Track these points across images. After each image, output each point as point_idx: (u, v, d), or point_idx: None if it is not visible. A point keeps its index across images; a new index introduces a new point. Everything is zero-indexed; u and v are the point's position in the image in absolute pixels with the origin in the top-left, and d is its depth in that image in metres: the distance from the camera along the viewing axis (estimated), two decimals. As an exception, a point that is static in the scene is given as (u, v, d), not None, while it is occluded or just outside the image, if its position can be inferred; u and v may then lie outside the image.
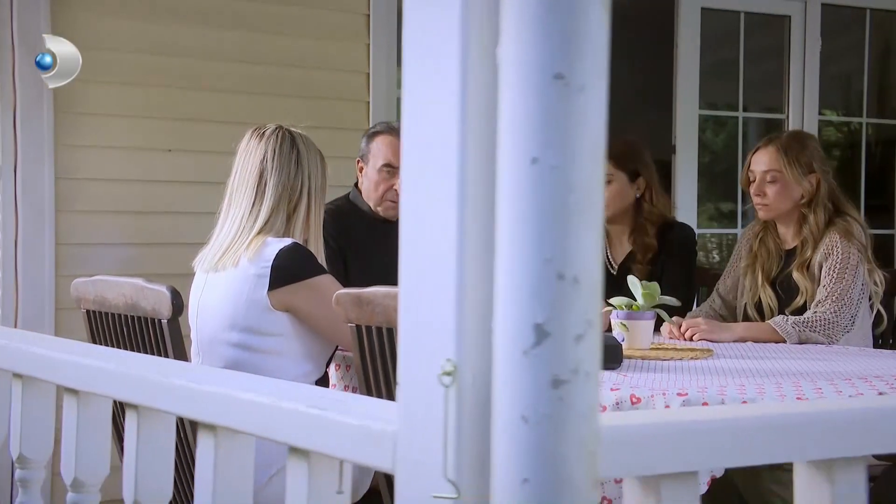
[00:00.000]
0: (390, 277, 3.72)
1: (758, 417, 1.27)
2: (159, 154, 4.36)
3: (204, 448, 1.48)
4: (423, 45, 1.13)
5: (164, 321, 2.72)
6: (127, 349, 2.87)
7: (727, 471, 3.60)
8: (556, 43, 1.03)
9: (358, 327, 2.63)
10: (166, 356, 2.75)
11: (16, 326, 4.08)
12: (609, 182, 3.99)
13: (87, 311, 3.00)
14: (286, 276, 2.86)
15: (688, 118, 5.51)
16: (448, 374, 1.09)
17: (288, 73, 4.59)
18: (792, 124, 5.73)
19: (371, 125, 4.25)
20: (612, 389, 2.55)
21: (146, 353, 2.79)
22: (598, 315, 1.06)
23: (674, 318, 3.59)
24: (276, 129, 3.03)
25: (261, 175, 2.97)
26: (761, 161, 3.67)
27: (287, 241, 2.91)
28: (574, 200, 1.04)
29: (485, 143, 1.09)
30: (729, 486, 3.56)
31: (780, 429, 1.24)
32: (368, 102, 4.71)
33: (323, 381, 3.05)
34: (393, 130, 3.88)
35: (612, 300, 3.27)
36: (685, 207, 5.49)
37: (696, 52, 5.50)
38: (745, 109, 5.87)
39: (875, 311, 3.68)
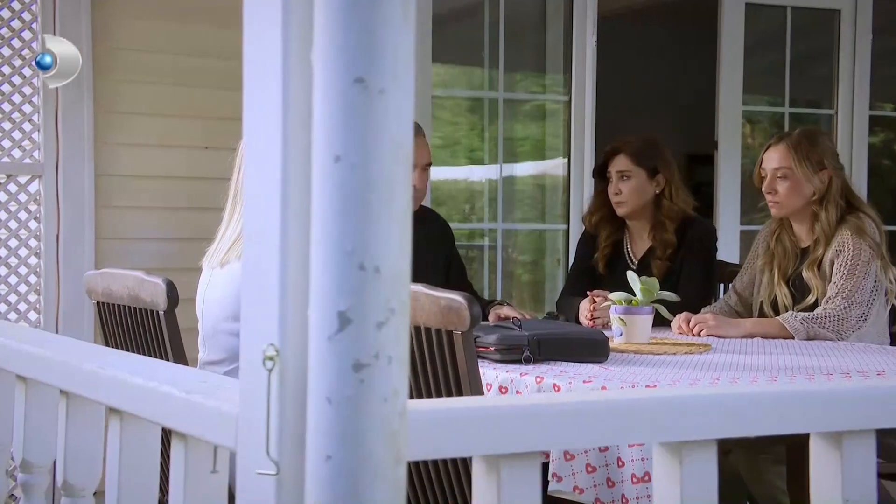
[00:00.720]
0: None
1: (583, 402, 1.33)
2: (196, 151, 4.50)
3: (112, 432, 1.57)
4: (254, 55, 1.22)
5: (161, 313, 2.83)
6: (130, 340, 3.00)
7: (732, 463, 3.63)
8: (357, 50, 1.10)
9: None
10: (163, 347, 2.87)
11: (57, 318, 4.26)
12: (627, 178, 4.03)
13: (97, 303, 3.13)
14: None
15: (731, 115, 5.51)
16: (270, 358, 1.17)
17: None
18: (841, 121, 5.69)
19: None
20: (584, 382, 2.60)
21: (146, 343, 2.91)
22: (402, 303, 1.13)
23: (683, 314, 3.62)
24: None
25: None
26: (772, 158, 3.68)
27: (287, 237, 3.00)
28: (375, 196, 1.11)
29: (303, 144, 1.16)
30: (736, 481, 3.60)
31: (602, 413, 1.30)
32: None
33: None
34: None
35: (612, 295, 3.31)
36: (727, 204, 5.49)
37: (740, 49, 5.49)
38: (791, 105, 5.84)
39: (889, 308, 3.67)
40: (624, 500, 2.56)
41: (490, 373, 2.79)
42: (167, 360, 2.88)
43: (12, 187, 4.25)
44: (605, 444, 1.35)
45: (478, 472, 1.32)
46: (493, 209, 5.30)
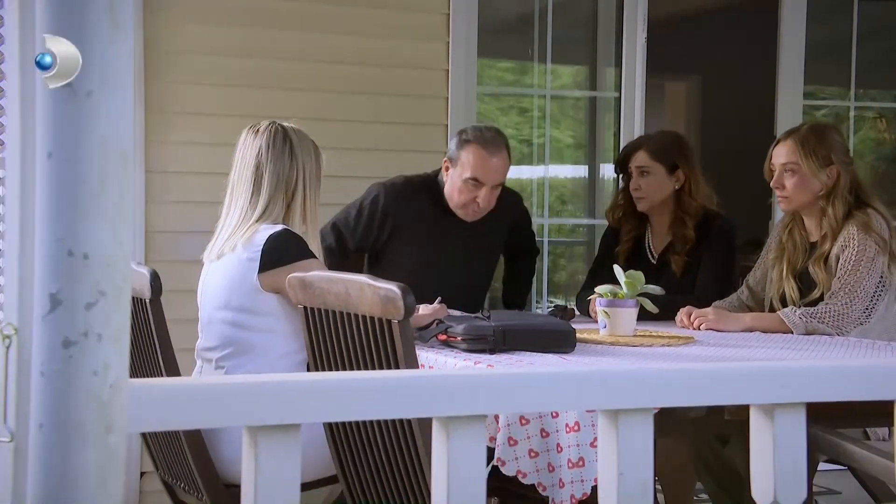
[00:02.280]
0: (432, 265, 3.89)
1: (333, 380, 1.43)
2: (243, 149, 4.68)
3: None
4: (7, 65, 1.35)
5: (147, 301, 3.01)
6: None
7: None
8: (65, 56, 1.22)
9: (305, 308, 2.85)
10: (150, 334, 3.04)
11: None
12: (647, 174, 4.08)
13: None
14: (274, 260, 3.10)
15: (790, 107, 5.45)
16: (8, 336, 1.30)
17: (369, 71, 4.83)
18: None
19: (461, 128, 4.16)
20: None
21: (137, 331, 3.09)
22: (115, 286, 1.25)
23: (685, 308, 3.65)
24: (270, 124, 3.28)
25: (257, 168, 3.22)
26: (780, 154, 3.68)
27: (278, 227, 3.15)
28: (85, 189, 1.23)
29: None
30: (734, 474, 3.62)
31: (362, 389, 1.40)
32: (447, 98, 4.91)
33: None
34: (485, 142, 3.89)
35: (598, 288, 3.37)
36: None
37: (802, 35, 5.41)
38: (857, 98, 5.74)
39: (898, 304, 3.63)
40: (561, 484, 2.63)
41: (451, 361, 2.89)
42: (154, 346, 3.05)
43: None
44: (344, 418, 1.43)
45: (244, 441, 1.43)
46: (541, 205, 5.37)
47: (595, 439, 2.65)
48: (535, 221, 5.23)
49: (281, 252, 3.10)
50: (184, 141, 4.61)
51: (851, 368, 1.69)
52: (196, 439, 3.03)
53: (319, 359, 2.84)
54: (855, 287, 3.50)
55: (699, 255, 4.04)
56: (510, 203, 4.22)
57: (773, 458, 1.62)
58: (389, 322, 2.55)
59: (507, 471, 2.69)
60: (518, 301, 4.44)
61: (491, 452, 2.66)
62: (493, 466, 2.66)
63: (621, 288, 3.32)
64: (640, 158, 4.10)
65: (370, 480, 2.83)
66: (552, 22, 5.24)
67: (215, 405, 1.34)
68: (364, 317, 2.63)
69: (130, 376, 1.29)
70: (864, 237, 3.54)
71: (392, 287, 2.52)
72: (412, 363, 2.56)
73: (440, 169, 4.05)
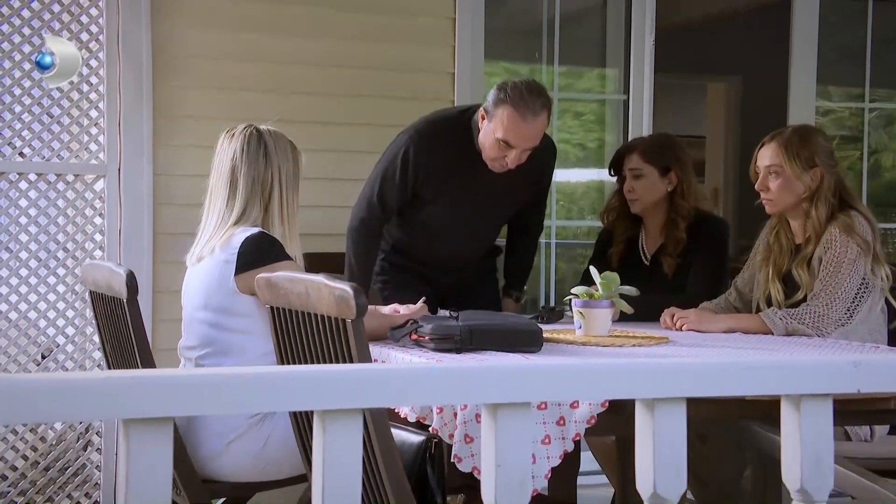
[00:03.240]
0: (457, 208, 3.94)
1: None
2: (250, 153, 4.77)
3: None
4: None
5: (125, 301, 3.10)
6: (109, 327, 3.28)
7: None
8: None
9: (271, 308, 2.93)
10: (128, 333, 3.14)
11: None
12: (639, 177, 4.12)
13: (90, 292, 3.42)
14: (250, 262, 3.18)
15: (802, 109, 5.44)
16: None
17: (375, 76, 4.91)
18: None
19: (504, 81, 3.90)
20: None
21: (117, 329, 3.18)
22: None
23: (669, 309, 3.68)
24: (245, 127, 3.36)
25: (232, 171, 3.31)
26: (765, 156, 3.71)
27: (254, 230, 3.23)
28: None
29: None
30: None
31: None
32: (453, 101, 4.97)
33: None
34: (522, 105, 3.74)
35: (574, 289, 3.41)
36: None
37: (814, 38, 5.41)
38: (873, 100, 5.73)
39: (882, 305, 3.63)
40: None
41: (415, 359, 2.95)
42: (132, 344, 3.14)
43: (80, 186, 4.62)
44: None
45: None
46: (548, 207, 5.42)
47: (546, 437, 2.70)
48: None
49: (256, 254, 3.18)
50: (190, 144, 4.70)
51: (733, 365, 1.73)
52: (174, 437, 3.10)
53: (284, 357, 2.91)
54: (836, 288, 3.51)
55: (691, 257, 4.07)
56: (547, 152, 4.14)
57: (654, 451, 1.66)
58: (344, 321, 2.62)
59: (464, 467, 2.75)
60: (519, 279, 4.41)
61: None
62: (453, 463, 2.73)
63: (597, 289, 3.36)
64: (633, 161, 4.14)
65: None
66: (559, 25, 5.28)
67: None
68: (322, 316, 2.69)
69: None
70: (846, 239, 3.55)
71: (346, 287, 2.59)
72: (366, 361, 2.62)
73: (475, 109, 3.97)
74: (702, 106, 9.53)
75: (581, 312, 3.33)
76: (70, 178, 4.62)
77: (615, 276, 3.38)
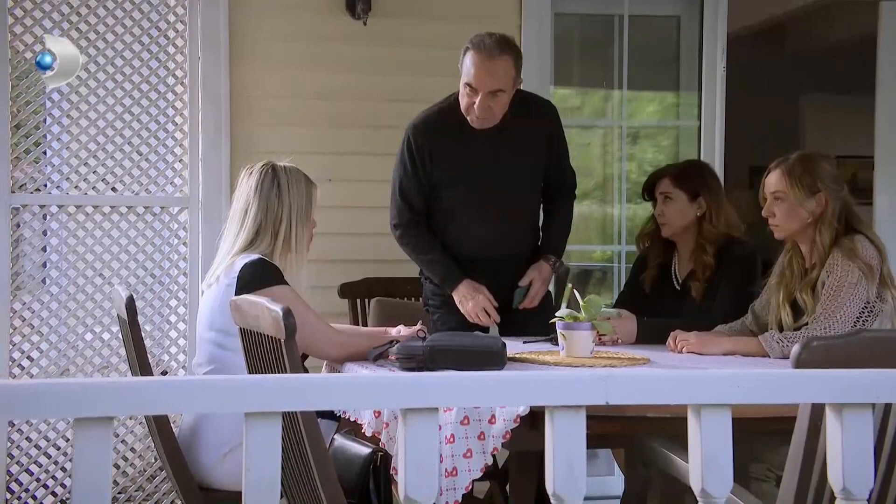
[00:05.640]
0: (486, 172, 4.12)
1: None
2: (322, 183, 5.05)
3: None
4: None
5: (125, 318, 3.40)
6: (123, 345, 3.59)
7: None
8: None
9: (241, 329, 3.16)
10: (130, 351, 3.43)
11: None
12: (669, 200, 4.18)
13: (117, 315, 3.74)
14: (248, 286, 3.42)
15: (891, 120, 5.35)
16: None
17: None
18: None
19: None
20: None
21: (121, 347, 3.48)
22: None
23: (674, 332, 3.73)
24: (263, 165, 3.62)
25: (246, 205, 3.57)
26: (770, 183, 3.72)
27: (254, 257, 3.48)
28: None
29: None
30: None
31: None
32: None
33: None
34: (481, 48, 3.96)
35: (559, 312, 3.51)
36: (885, 222, 5.33)
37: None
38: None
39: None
40: (441, 492, 2.83)
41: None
42: (131, 363, 3.44)
43: (165, 217, 4.99)
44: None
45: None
46: (620, 231, 5.48)
47: (468, 451, 2.84)
48: (612, 249, 5.36)
49: (254, 279, 3.42)
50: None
51: (644, 375, 1.87)
52: (172, 446, 3.38)
53: (251, 371, 3.14)
54: (835, 312, 3.50)
55: (717, 281, 4.09)
56: (546, 112, 4.32)
57: (553, 456, 1.80)
58: (279, 341, 2.82)
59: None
60: (552, 243, 4.39)
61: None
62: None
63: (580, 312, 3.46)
64: (664, 185, 4.21)
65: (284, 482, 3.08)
66: (628, 50, 5.37)
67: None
68: (267, 336, 2.91)
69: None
70: (848, 263, 3.53)
71: (277, 309, 2.80)
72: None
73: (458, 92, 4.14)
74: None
75: (563, 334, 3.43)
76: (157, 210, 4.99)
77: (598, 299, 3.46)
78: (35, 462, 4.85)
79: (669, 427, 2.62)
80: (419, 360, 3.15)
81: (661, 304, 4.20)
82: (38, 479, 4.86)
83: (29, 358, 4.84)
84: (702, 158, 5.28)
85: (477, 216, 4.24)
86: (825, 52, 8.32)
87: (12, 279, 4.81)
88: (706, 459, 1.86)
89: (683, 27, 5.43)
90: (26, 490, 4.85)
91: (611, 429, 2.72)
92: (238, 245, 3.54)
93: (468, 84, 3.99)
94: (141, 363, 3.40)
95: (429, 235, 4.30)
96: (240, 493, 3.41)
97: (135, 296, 4.87)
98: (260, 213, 3.54)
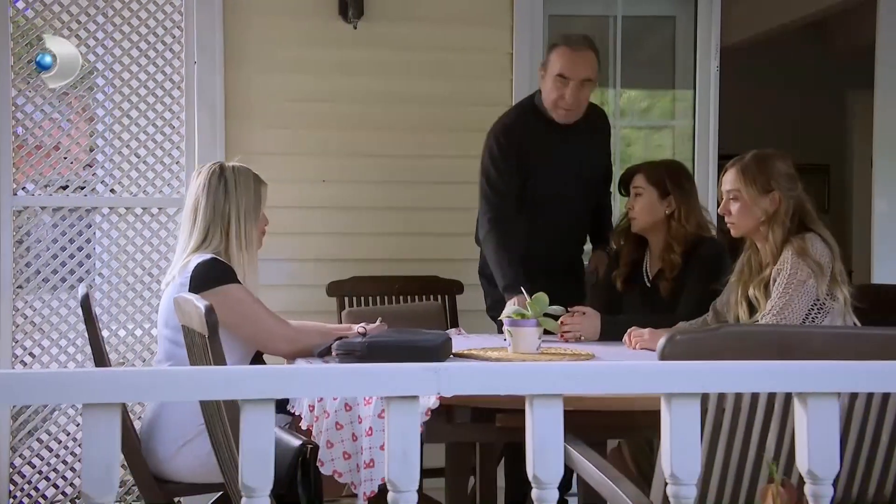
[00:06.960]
0: (561, 173, 4.27)
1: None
2: (314, 184, 5.16)
3: None
4: None
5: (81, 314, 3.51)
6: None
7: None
8: None
9: (182, 325, 3.25)
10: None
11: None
12: (639, 195, 4.21)
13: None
14: (200, 285, 3.50)
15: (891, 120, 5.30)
16: None
17: (430, 111, 5.19)
18: None
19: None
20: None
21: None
22: None
23: (630, 329, 3.76)
24: (211, 165, 3.71)
25: (195, 205, 3.66)
26: (726, 181, 3.73)
27: (207, 256, 3.57)
28: None
29: None
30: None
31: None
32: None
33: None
34: (570, 41, 4.33)
35: (506, 310, 3.56)
36: (884, 222, 5.28)
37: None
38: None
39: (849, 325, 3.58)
40: (360, 482, 2.91)
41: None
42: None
43: (163, 218, 5.11)
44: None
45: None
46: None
47: (384, 443, 2.89)
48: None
49: (206, 278, 3.51)
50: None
51: (476, 367, 1.94)
52: (130, 440, 3.48)
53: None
54: (782, 309, 3.51)
55: (684, 279, 4.11)
56: (602, 116, 4.68)
57: (389, 444, 1.88)
58: (204, 336, 2.91)
59: (326, 471, 2.99)
60: (602, 237, 4.69)
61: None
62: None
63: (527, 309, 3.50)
64: (637, 180, 4.24)
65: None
66: (622, 51, 5.38)
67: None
68: (197, 332, 3.00)
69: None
70: (797, 261, 3.53)
71: (202, 306, 2.88)
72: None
73: (533, 94, 4.50)
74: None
75: (510, 331, 3.48)
76: (154, 210, 5.11)
77: (544, 297, 3.50)
78: (37, 455, 5.00)
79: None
80: (357, 355, 3.21)
81: (631, 301, 4.23)
82: (40, 472, 5.01)
83: (31, 354, 4.99)
84: (696, 158, 5.28)
85: (555, 198, 4.42)
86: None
87: (14, 278, 4.96)
88: (537, 447, 1.91)
89: (678, 27, 5.43)
90: (29, 482, 5.00)
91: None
92: (192, 244, 3.63)
93: (560, 74, 4.27)
94: (96, 355, 3.52)
95: (513, 237, 4.35)
96: (194, 484, 3.53)
97: (133, 294, 5.07)
98: (209, 211, 3.63)
